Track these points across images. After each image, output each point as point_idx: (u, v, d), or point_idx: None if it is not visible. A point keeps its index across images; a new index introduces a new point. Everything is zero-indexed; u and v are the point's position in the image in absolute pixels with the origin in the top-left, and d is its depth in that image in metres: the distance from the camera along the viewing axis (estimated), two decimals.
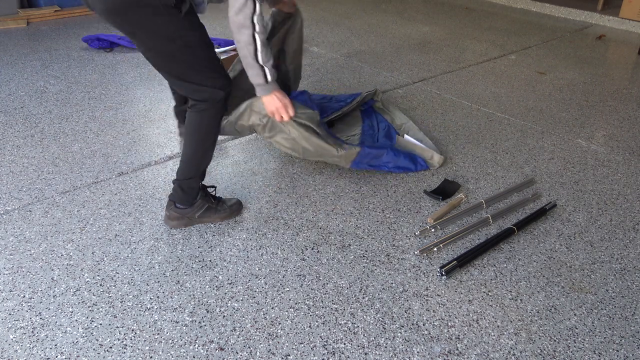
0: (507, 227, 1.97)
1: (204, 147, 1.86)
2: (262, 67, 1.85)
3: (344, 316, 1.58)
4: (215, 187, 2.06)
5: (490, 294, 1.69)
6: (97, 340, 1.48)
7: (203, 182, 1.97)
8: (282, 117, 2.03)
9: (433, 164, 2.37)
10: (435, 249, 1.86)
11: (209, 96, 1.75)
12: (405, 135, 2.52)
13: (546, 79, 3.59)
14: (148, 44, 1.67)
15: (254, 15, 1.74)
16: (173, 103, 2.94)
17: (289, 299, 1.64)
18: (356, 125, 2.67)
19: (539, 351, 1.49)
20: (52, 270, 1.73)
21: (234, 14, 1.74)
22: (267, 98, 1.97)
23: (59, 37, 4.15)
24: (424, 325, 1.56)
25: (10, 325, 1.52)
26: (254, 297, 1.64)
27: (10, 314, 1.56)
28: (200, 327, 1.53)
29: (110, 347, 1.46)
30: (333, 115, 2.66)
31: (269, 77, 1.89)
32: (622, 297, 1.70)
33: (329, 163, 2.36)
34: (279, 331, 1.52)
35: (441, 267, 1.76)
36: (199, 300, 1.63)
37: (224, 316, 1.57)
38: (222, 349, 1.46)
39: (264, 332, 1.52)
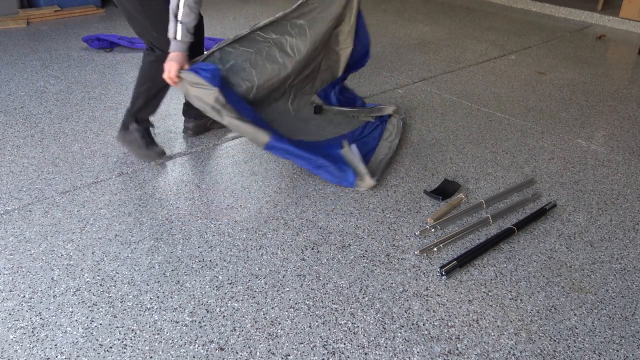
0: (507, 227, 1.97)
1: (139, 89, 2.29)
2: (176, 23, 2.02)
3: (344, 316, 1.58)
4: (154, 127, 2.44)
5: (490, 294, 1.69)
6: (97, 340, 1.48)
7: (150, 122, 2.39)
8: (166, 77, 2.12)
9: (359, 185, 2.19)
10: (435, 249, 1.86)
11: (150, 48, 2.24)
12: (353, 146, 2.35)
13: (546, 79, 3.59)
14: (125, 5, 2.17)
15: None
16: (173, 103, 2.95)
17: (289, 299, 1.64)
18: (351, 127, 2.64)
19: (539, 351, 1.49)
20: (52, 270, 1.73)
21: None
22: (170, 55, 2.08)
23: (59, 37, 4.15)
24: (424, 325, 1.56)
25: (10, 325, 1.52)
26: (254, 297, 1.64)
27: (10, 314, 1.56)
28: (200, 327, 1.53)
29: (110, 347, 1.46)
30: (342, 107, 2.63)
31: (179, 36, 2.04)
32: (622, 297, 1.70)
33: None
34: (279, 331, 1.52)
35: (441, 267, 1.76)
36: (199, 300, 1.63)
37: (224, 316, 1.57)
38: (222, 349, 1.46)
39: (264, 332, 1.52)
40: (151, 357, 1.43)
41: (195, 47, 2.28)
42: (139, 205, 2.08)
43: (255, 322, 1.56)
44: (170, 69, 2.08)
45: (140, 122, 2.33)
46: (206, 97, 2.07)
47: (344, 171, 2.21)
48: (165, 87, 2.25)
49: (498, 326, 1.57)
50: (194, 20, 2.04)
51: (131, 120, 2.32)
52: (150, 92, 2.27)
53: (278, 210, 2.07)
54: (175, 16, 2.02)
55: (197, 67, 2.10)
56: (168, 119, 2.80)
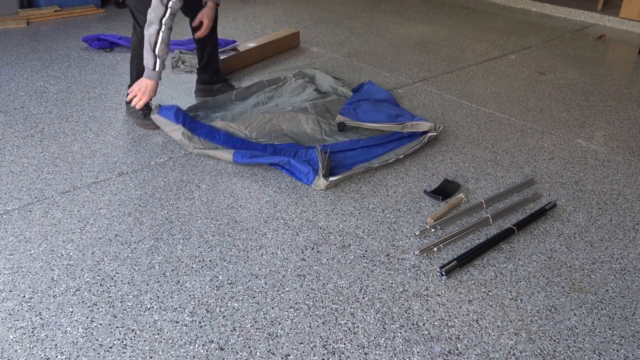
0: (507, 227, 1.97)
1: (131, 65, 2.65)
2: (155, 57, 2.35)
3: (344, 316, 1.58)
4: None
5: (490, 294, 1.69)
6: (97, 340, 1.48)
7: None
8: (136, 100, 2.46)
9: (316, 184, 2.20)
10: (435, 249, 1.86)
11: (137, 25, 2.57)
12: (321, 147, 2.41)
13: (546, 79, 3.59)
14: None
15: (163, 17, 2.28)
16: (172, 103, 2.96)
17: (289, 299, 1.64)
18: (374, 134, 2.61)
19: (539, 351, 1.49)
20: (52, 270, 1.73)
21: (149, 10, 2.28)
22: (144, 81, 2.43)
23: (59, 37, 4.15)
24: (424, 325, 1.56)
25: (10, 325, 1.52)
26: (254, 297, 1.64)
27: (10, 314, 1.56)
28: (200, 327, 1.53)
29: (110, 347, 1.46)
30: (370, 123, 2.61)
31: (157, 67, 2.38)
32: (622, 297, 1.70)
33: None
34: (279, 331, 1.53)
35: (441, 267, 1.76)
36: (199, 300, 1.63)
37: (224, 316, 1.57)
38: (222, 349, 1.47)
39: (264, 332, 1.52)
40: (151, 357, 1.43)
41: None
42: (139, 205, 2.08)
43: (255, 322, 1.56)
44: (139, 98, 2.43)
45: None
46: (175, 133, 2.47)
47: (307, 170, 2.24)
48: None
49: (498, 326, 1.57)
50: (167, 53, 2.38)
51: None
52: (140, 67, 2.51)
53: (278, 210, 2.07)
54: (153, 50, 2.33)
55: (162, 110, 2.49)
56: None
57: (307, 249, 1.87)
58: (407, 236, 1.95)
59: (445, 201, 2.16)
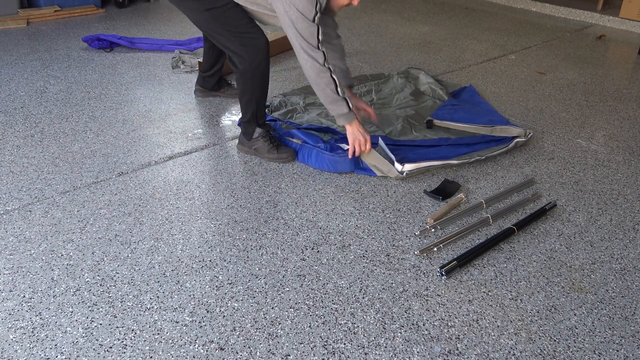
0: (507, 227, 1.97)
1: (243, 100, 2.34)
2: (344, 99, 2.12)
3: (344, 316, 1.58)
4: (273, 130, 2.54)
5: (490, 294, 1.69)
6: (97, 340, 1.48)
7: (270, 126, 2.50)
8: (361, 149, 2.21)
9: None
10: (435, 249, 1.86)
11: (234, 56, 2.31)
12: (381, 142, 2.39)
13: (546, 79, 3.59)
14: None
15: (325, 60, 2.05)
16: (173, 103, 2.96)
17: (289, 299, 1.64)
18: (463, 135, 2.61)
19: (539, 351, 1.49)
20: (52, 270, 1.73)
21: (307, 67, 2.06)
22: (350, 128, 2.18)
23: (59, 37, 4.15)
24: (424, 325, 1.56)
25: (10, 325, 1.52)
26: (254, 297, 1.64)
27: (10, 314, 1.56)
28: (200, 327, 1.53)
29: (110, 347, 1.46)
30: (458, 123, 2.63)
31: (351, 106, 2.16)
32: (622, 297, 1.70)
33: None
34: (279, 331, 1.52)
35: (441, 267, 1.76)
36: (199, 300, 1.63)
37: (224, 316, 1.57)
38: (222, 349, 1.47)
39: (264, 332, 1.52)
40: (151, 357, 1.43)
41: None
42: (139, 205, 2.08)
43: (255, 322, 1.56)
44: (366, 144, 2.19)
45: (262, 125, 2.40)
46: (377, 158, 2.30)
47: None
48: (264, 85, 2.33)
49: (498, 326, 1.57)
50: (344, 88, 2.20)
51: (252, 126, 2.38)
52: (255, 94, 2.31)
53: (278, 210, 2.07)
54: (339, 94, 2.10)
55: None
56: (168, 119, 2.80)
57: (307, 249, 1.87)
58: (407, 236, 1.95)
59: (445, 201, 2.16)
